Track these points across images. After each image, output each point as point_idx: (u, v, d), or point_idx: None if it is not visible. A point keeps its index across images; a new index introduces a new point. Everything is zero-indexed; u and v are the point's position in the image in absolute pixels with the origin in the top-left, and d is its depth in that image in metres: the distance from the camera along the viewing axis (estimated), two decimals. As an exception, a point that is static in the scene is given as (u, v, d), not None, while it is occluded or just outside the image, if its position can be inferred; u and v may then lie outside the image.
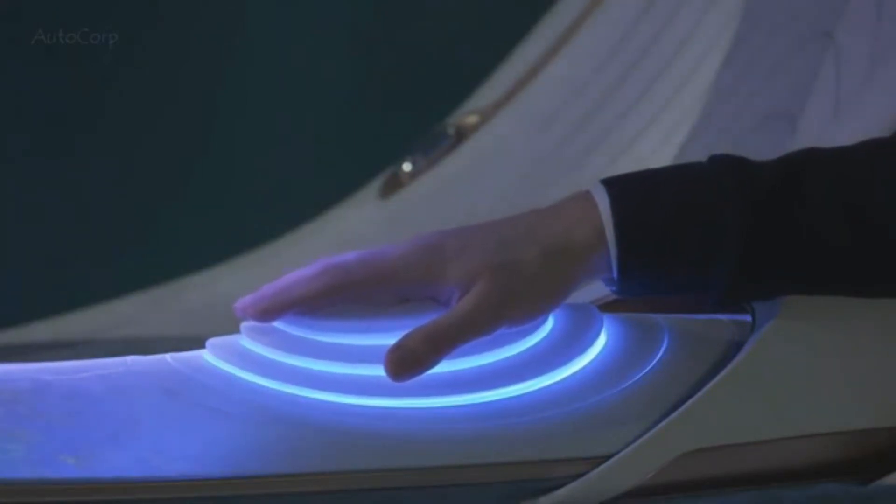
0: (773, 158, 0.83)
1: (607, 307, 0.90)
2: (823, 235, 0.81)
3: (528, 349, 0.82)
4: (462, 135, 2.05)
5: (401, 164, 2.06)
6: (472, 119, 2.05)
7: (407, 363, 0.78)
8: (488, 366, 0.81)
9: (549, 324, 0.83)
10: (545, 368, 0.81)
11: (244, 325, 0.83)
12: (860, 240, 0.81)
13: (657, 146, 1.89)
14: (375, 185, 2.08)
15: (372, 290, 0.81)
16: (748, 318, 0.85)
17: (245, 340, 0.82)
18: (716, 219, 0.81)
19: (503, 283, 0.80)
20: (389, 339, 0.80)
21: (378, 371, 0.80)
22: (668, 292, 0.84)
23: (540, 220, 0.82)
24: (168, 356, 0.82)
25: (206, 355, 0.82)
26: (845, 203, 0.81)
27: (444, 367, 0.80)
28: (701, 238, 0.81)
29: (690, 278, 0.82)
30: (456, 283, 0.80)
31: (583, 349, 0.82)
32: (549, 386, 0.81)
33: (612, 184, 0.82)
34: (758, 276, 0.81)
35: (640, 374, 0.82)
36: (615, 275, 0.82)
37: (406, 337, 0.79)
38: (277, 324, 0.82)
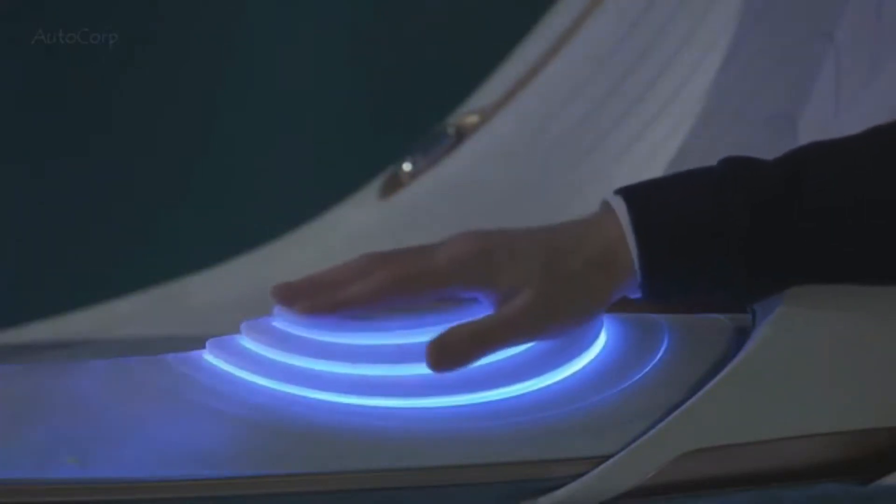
0: (780, 157, 0.84)
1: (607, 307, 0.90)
2: (832, 233, 0.81)
3: (528, 349, 0.82)
4: (462, 135, 2.04)
5: (401, 164, 2.06)
6: (472, 119, 2.05)
7: (449, 356, 0.79)
8: (488, 366, 0.81)
9: None
10: (545, 368, 0.81)
11: (244, 324, 0.83)
12: (868, 235, 0.82)
13: (657, 146, 1.89)
14: (375, 185, 2.08)
15: (424, 291, 0.81)
16: (748, 317, 0.85)
17: (245, 340, 0.82)
18: (729, 228, 0.81)
19: (549, 294, 0.80)
20: (390, 339, 0.80)
21: (378, 371, 0.80)
22: (691, 295, 0.85)
23: (584, 234, 0.82)
24: (168, 356, 0.82)
25: (206, 355, 0.82)
26: (852, 200, 0.82)
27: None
28: (719, 254, 0.81)
29: (710, 282, 0.82)
30: (505, 289, 0.81)
31: (583, 349, 0.82)
32: (549, 386, 0.81)
33: (631, 197, 0.83)
34: (772, 276, 0.82)
35: (640, 374, 0.82)
36: (640, 292, 0.83)
37: (449, 332, 0.79)
38: (277, 323, 0.82)
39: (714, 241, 0.81)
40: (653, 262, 0.81)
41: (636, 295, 0.84)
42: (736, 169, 0.83)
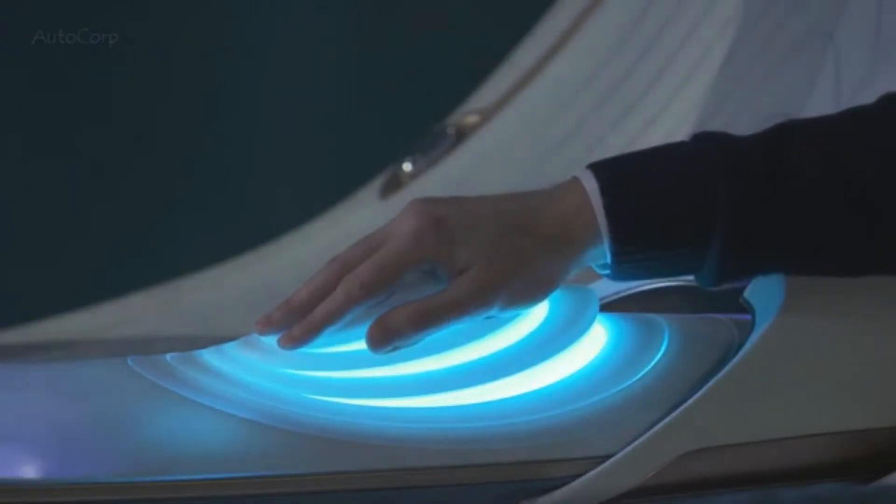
0: (757, 133, 0.84)
1: (607, 307, 0.90)
2: (810, 208, 0.82)
3: (526, 337, 0.82)
4: (462, 135, 2.04)
5: (401, 164, 2.06)
6: (472, 119, 2.05)
7: (389, 333, 0.80)
8: (487, 357, 0.81)
9: (545, 309, 0.84)
10: (546, 354, 0.81)
11: (238, 341, 0.84)
12: (847, 212, 0.82)
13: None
14: (375, 185, 2.07)
15: (388, 285, 0.81)
16: (748, 317, 0.85)
17: (244, 348, 0.83)
18: (706, 200, 0.81)
19: (500, 271, 0.81)
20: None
21: (377, 373, 0.80)
22: (661, 275, 0.85)
23: (540, 208, 0.82)
24: (168, 356, 0.83)
25: (206, 355, 0.83)
26: (832, 175, 0.82)
27: (443, 364, 0.81)
28: (692, 220, 0.81)
29: (683, 259, 0.82)
30: (460, 265, 0.81)
31: (580, 332, 0.83)
32: (549, 386, 0.81)
33: (600, 170, 0.83)
34: (748, 251, 0.82)
35: (640, 374, 0.82)
36: (609, 261, 0.83)
37: (392, 315, 0.80)
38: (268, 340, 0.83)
39: (693, 233, 0.82)
40: (626, 252, 0.82)
41: (604, 272, 0.84)
42: (712, 152, 0.83)
